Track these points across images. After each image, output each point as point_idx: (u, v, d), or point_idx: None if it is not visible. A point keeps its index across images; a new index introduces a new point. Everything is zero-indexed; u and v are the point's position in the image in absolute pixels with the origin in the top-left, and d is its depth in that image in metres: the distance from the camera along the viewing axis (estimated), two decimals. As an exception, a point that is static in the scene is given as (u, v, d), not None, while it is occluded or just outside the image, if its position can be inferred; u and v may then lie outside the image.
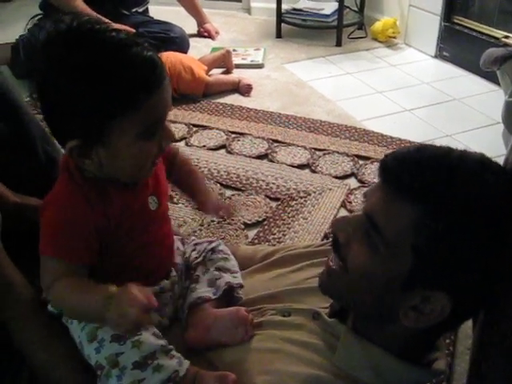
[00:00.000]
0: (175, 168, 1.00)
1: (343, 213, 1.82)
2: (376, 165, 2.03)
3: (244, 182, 1.98)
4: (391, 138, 2.28)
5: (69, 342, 0.85)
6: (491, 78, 2.44)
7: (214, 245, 1.02)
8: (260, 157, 2.15)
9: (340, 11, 3.16)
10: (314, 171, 2.06)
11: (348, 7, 3.32)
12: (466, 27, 2.92)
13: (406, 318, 0.74)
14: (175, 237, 1.00)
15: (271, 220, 1.78)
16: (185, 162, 1.04)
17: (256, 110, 2.52)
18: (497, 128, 2.19)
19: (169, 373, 0.78)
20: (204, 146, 2.22)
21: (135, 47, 0.75)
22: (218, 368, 0.82)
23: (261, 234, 1.71)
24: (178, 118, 2.42)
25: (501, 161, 0.90)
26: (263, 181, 1.99)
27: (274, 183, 1.97)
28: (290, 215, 1.80)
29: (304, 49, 3.23)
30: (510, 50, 1.89)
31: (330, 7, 3.29)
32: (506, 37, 2.71)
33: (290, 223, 1.76)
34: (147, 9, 3.14)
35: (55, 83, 0.74)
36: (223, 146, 2.23)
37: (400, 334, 0.78)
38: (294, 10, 3.35)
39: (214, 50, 3.06)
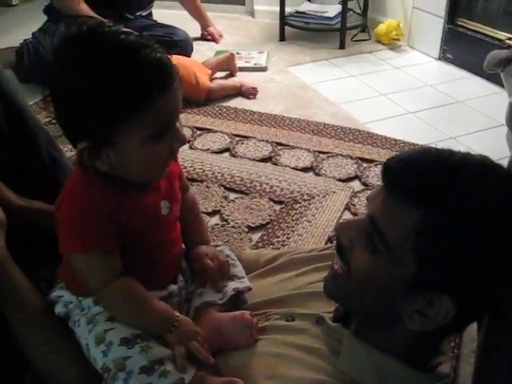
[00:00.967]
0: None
1: (347, 216, 1.82)
2: (380, 167, 2.03)
3: (248, 185, 1.98)
4: (395, 140, 2.28)
5: (75, 346, 0.85)
6: (495, 80, 2.44)
7: (219, 249, 1.02)
8: (264, 160, 2.16)
9: (343, 14, 3.16)
10: (317, 174, 2.06)
11: (351, 10, 3.33)
12: (470, 29, 2.92)
13: (412, 322, 0.74)
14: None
15: (275, 223, 1.78)
16: (192, 202, 1.02)
17: (260, 112, 2.52)
18: (501, 130, 2.18)
19: (175, 379, 0.78)
20: (208, 149, 2.23)
21: (145, 49, 0.75)
22: (223, 373, 0.82)
23: (265, 237, 1.71)
24: (182, 122, 2.41)
25: (505, 163, 0.90)
26: (267, 184, 1.99)
27: (277, 186, 1.97)
28: (293, 218, 1.80)
29: (307, 52, 3.23)
30: (514, 52, 1.89)
31: (333, 10, 3.29)
32: (510, 39, 2.70)
33: (293, 226, 1.76)
34: (151, 12, 3.15)
35: (67, 83, 0.75)
36: (227, 149, 2.24)
37: (404, 338, 0.78)
38: (298, 12, 3.35)
39: (218, 53, 3.07)
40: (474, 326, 0.86)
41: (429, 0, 3.06)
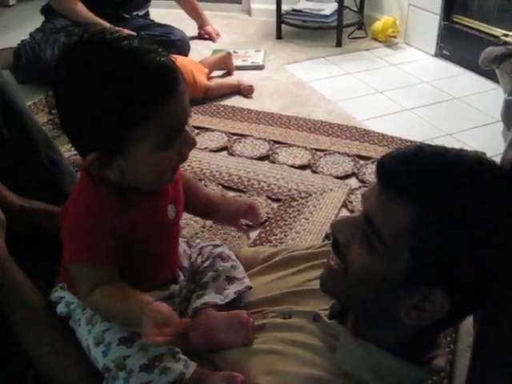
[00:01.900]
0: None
1: (344, 213, 1.83)
2: (377, 164, 2.03)
3: (246, 183, 2.00)
4: (392, 137, 2.29)
5: (78, 346, 0.86)
6: (491, 76, 2.44)
7: (220, 250, 1.03)
8: (261, 158, 2.17)
9: (340, 11, 3.17)
10: (315, 172, 2.07)
11: (348, 7, 3.33)
12: (466, 26, 2.93)
13: (408, 316, 0.75)
14: (181, 240, 1.01)
15: (273, 221, 1.79)
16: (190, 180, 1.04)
17: (257, 111, 2.53)
18: (497, 126, 2.19)
19: (175, 375, 0.79)
20: (206, 148, 2.24)
21: (148, 54, 0.74)
22: (222, 369, 0.83)
23: (262, 235, 1.72)
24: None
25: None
26: (265, 182, 2.00)
27: (275, 184, 1.98)
28: (291, 216, 1.81)
29: (304, 49, 3.24)
30: (509, 49, 1.90)
31: (329, 8, 3.29)
32: (506, 35, 2.70)
33: (291, 224, 1.78)
34: (148, 12, 3.16)
35: (71, 93, 0.74)
36: (225, 148, 2.24)
37: (400, 333, 0.79)
38: (294, 10, 3.36)
39: (215, 52, 3.08)
40: (470, 321, 0.87)
41: (425, -3, 3.07)
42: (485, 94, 2.67)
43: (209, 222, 1.78)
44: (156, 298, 0.87)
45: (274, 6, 3.32)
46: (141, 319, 0.74)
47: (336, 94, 2.71)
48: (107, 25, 2.74)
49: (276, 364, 0.81)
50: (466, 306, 0.78)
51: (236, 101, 2.66)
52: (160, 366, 0.79)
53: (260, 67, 3.00)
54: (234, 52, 3.07)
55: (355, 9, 3.40)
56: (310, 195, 1.92)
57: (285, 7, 3.34)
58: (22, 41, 2.79)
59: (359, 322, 0.83)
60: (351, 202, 1.86)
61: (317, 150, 2.21)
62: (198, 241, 1.07)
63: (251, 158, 2.16)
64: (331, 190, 1.95)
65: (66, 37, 0.77)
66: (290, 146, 2.25)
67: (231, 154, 2.20)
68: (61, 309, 0.90)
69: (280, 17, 3.33)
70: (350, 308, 0.86)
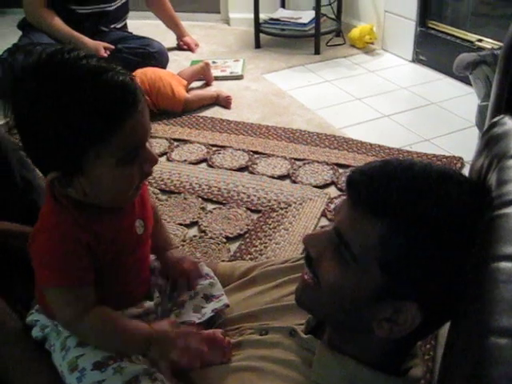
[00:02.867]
0: None
1: (324, 222, 1.84)
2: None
3: (225, 195, 2.00)
4: (370, 144, 2.30)
5: (53, 369, 0.85)
6: (468, 80, 2.47)
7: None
8: (241, 169, 2.17)
9: (317, 19, 3.19)
10: (294, 181, 2.08)
11: (325, 15, 3.36)
12: (441, 31, 2.96)
13: (381, 329, 0.76)
14: (151, 256, 1.00)
15: (252, 232, 1.79)
16: (154, 209, 1.03)
17: (236, 122, 2.54)
18: (474, 131, 2.21)
19: None
20: (185, 160, 2.24)
21: (107, 73, 0.74)
22: None
23: (242, 247, 1.72)
24: (159, 133, 2.43)
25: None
26: (244, 193, 2.00)
27: (254, 195, 1.99)
28: (271, 227, 1.82)
29: (283, 58, 3.25)
30: (481, 55, 1.93)
31: (307, 16, 3.32)
32: (480, 40, 2.75)
33: (271, 235, 1.78)
34: (125, 24, 3.16)
35: (30, 115, 0.75)
36: (204, 160, 2.25)
37: (375, 345, 0.79)
38: (272, 19, 3.37)
39: (194, 62, 3.08)
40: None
41: (400, 3, 3.10)
42: (462, 98, 2.70)
43: (189, 235, 1.78)
44: (129, 315, 0.87)
45: (252, 15, 3.33)
46: (145, 351, 0.82)
47: (315, 103, 2.73)
48: (84, 38, 2.75)
49: (253, 381, 0.81)
50: (438, 316, 0.79)
51: (215, 111, 2.67)
52: None
53: (239, 77, 3.01)
54: (213, 62, 3.08)
55: (333, 16, 3.43)
56: (290, 205, 1.92)
57: (263, 16, 3.36)
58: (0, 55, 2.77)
59: (335, 336, 0.84)
60: (330, 211, 1.87)
61: (296, 159, 2.22)
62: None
63: (231, 170, 2.16)
64: (310, 199, 1.96)
65: (24, 57, 0.76)
66: (269, 156, 2.25)
67: (211, 166, 2.20)
68: (36, 332, 0.89)
69: (258, 26, 3.34)
70: (325, 321, 0.86)
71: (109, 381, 0.79)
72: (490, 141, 0.88)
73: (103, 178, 0.77)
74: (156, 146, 2.31)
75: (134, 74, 0.80)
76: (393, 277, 0.73)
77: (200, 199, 1.97)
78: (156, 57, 2.91)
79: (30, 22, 2.85)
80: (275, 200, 1.96)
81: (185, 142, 2.37)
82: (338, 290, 0.77)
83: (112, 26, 3.01)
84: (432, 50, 3.01)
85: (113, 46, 2.79)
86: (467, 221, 0.74)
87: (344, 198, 0.80)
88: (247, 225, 1.83)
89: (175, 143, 2.36)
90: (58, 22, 2.78)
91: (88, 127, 0.73)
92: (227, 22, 3.85)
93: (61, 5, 2.80)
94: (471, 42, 2.77)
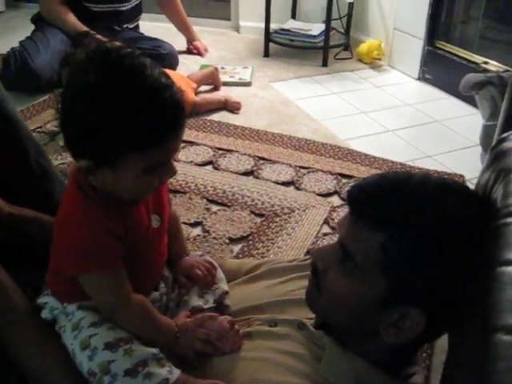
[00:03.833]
0: None
1: (326, 229, 1.87)
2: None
3: (230, 197, 2.02)
4: (374, 157, 2.33)
5: (62, 348, 0.87)
6: (471, 101, 2.51)
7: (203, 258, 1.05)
8: (246, 173, 2.19)
9: (327, 32, 3.23)
10: (298, 188, 2.11)
11: (334, 29, 3.40)
12: (448, 52, 3.00)
13: (387, 335, 0.78)
14: None
15: (255, 235, 1.82)
16: (175, 217, 1.06)
17: (243, 127, 2.56)
18: (475, 150, 2.26)
19: (159, 380, 0.81)
20: (191, 161, 2.26)
21: (166, 91, 0.77)
22: (208, 377, 0.85)
23: (245, 249, 1.75)
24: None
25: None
26: (248, 197, 2.03)
27: (259, 199, 2.01)
28: (274, 231, 1.84)
29: (291, 68, 3.29)
30: (488, 76, 1.97)
31: (317, 28, 3.36)
32: (486, 62, 2.79)
33: (273, 239, 1.80)
34: (138, 25, 3.20)
35: (85, 108, 0.76)
36: (210, 162, 2.27)
37: (381, 349, 0.82)
38: (282, 30, 3.41)
39: (203, 67, 3.11)
40: (444, 337, 0.89)
41: (409, 22, 3.15)
42: (465, 118, 2.74)
43: (192, 234, 1.81)
44: None
45: (262, 24, 3.37)
46: (173, 345, 0.88)
47: (321, 113, 2.76)
48: (97, 37, 2.77)
49: (262, 372, 0.82)
50: (441, 322, 0.81)
51: (222, 116, 2.69)
52: (144, 370, 0.81)
53: (247, 84, 3.05)
54: (222, 68, 3.12)
55: (342, 30, 3.47)
56: (293, 211, 1.95)
57: (273, 26, 3.40)
58: (12, 48, 2.80)
59: (343, 335, 0.86)
60: (333, 219, 1.90)
61: (301, 167, 2.25)
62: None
63: (236, 173, 2.19)
64: (313, 206, 1.98)
65: (77, 50, 0.79)
66: (275, 162, 2.28)
67: (216, 169, 2.22)
68: (45, 314, 0.91)
69: (268, 35, 3.38)
70: (331, 324, 0.89)
71: (118, 361, 0.81)
72: (497, 155, 0.91)
73: (127, 178, 0.81)
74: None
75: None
76: (395, 282, 0.76)
77: (205, 200, 2.00)
78: (167, 58, 2.94)
79: (44, 17, 2.88)
80: (279, 205, 1.98)
81: (191, 143, 2.40)
82: (344, 300, 0.81)
83: (125, 26, 3.05)
84: (438, 69, 3.05)
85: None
86: (466, 229, 0.77)
87: (346, 210, 0.83)
88: (250, 228, 1.85)
89: (182, 144, 2.38)
90: (72, 18, 2.81)
91: (136, 135, 0.76)
92: (237, 29, 3.89)
93: (76, 2, 2.84)
94: (477, 64, 2.82)
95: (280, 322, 0.92)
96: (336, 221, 1.89)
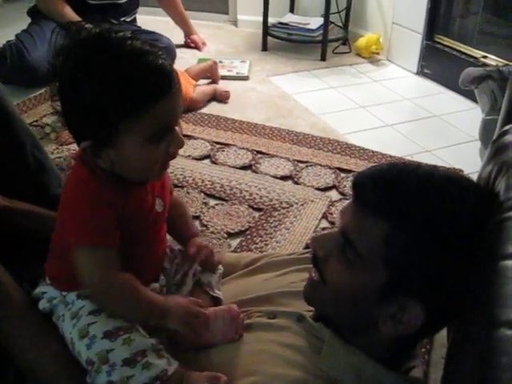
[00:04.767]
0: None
1: (324, 224, 1.86)
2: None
3: (228, 191, 2.01)
4: (372, 151, 2.33)
5: (60, 340, 0.87)
6: (470, 95, 2.50)
7: None
8: (244, 167, 2.19)
9: (325, 26, 3.22)
10: (296, 183, 2.10)
11: (333, 23, 3.39)
12: (447, 46, 3.00)
13: (385, 327, 0.78)
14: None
15: (254, 230, 1.81)
16: (180, 201, 1.07)
17: (241, 121, 2.55)
18: (474, 144, 2.26)
19: (157, 371, 0.80)
20: (189, 155, 2.25)
21: (148, 55, 0.79)
22: (206, 369, 0.84)
23: (243, 244, 1.74)
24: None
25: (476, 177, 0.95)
26: (246, 191, 2.02)
27: (257, 194, 2.01)
28: (272, 225, 1.84)
29: (289, 62, 3.28)
30: (488, 70, 1.97)
31: (315, 22, 3.34)
32: (485, 57, 2.79)
33: (272, 233, 1.80)
34: (135, 18, 3.18)
35: (74, 83, 0.79)
36: (208, 156, 2.26)
37: (380, 342, 0.81)
38: (280, 23, 3.40)
39: (201, 60, 3.10)
40: (444, 332, 0.89)
41: (408, 16, 3.14)
42: (464, 112, 2.73)
43: (190, 229, 1.80)
44: None
45: (260, 18, 3.36)
46: (163, 321, 0.85)
47: (319, 107, 2.75)
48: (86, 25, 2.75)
49: (261, 364, 0.82)
50: (440, 317, 0.80)
51: (219, 109, 2.68)
52: (142, 361, 0.80)
53: (245, 78, 3.03)
54: (220, 62, 3.10)
55: (340, 24, 3.46)
56: (291, 206, 1.94)
57: (271, 20, 3.38)
58: (8, 41, 2.78)
59: (342, 328, 0.86)
60: (331, 214, 1.89)
61: (299, 161, 2.24)
62: (178, 247, 1.08)
63: (234, 167, 2.18)
64: (312, 201, 1.98)
65: (67, 31, 0.81)
66: (273, 156, 2.27)
67: (214, 163, 2.22)
68: (43, 305, 0.90)
69: (266, 29, 3.37)
70: (331, 317, 0.88)
71: (117, 351, 0.80)
72: (499, 149, 0.91)
73: (130, 154, 0.81)
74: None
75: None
76: (396, 273, 0.75)
77: (202, 194, 1.99)
78: (164, 52, 2.92)
79: (41, 10, 2.86)
80: (277, 199, 1.98)
81: (188, 137, 2.38)
82: (344, 289, 0.80)
83: (122, 19, 3.03)
84: (437, 63, 3.04)
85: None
86: (470, 222, 0.76)
87: (347, 201, 0.82)
88: (249, 222, 1.85)
89: (179, 138, 2.37)
90: (68, 11, 2.79)
91: (121, 101, 0.77)
92: (235, 23, 3.88)
93: (73, -5, 2.82)
94: (476, 58, 2.81)
95: (279, 314, 0.91)
96: (334, 215, 1.88)
